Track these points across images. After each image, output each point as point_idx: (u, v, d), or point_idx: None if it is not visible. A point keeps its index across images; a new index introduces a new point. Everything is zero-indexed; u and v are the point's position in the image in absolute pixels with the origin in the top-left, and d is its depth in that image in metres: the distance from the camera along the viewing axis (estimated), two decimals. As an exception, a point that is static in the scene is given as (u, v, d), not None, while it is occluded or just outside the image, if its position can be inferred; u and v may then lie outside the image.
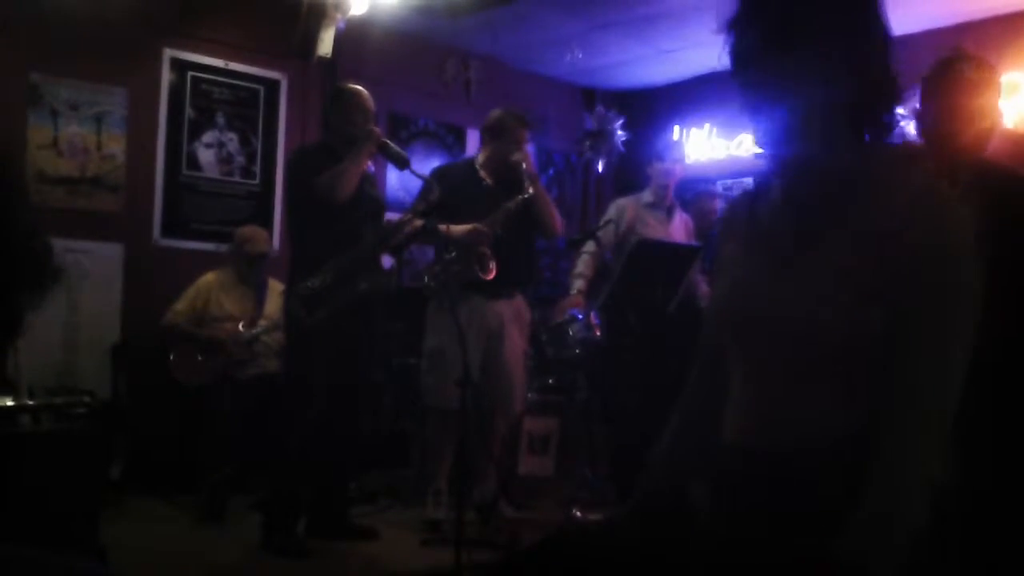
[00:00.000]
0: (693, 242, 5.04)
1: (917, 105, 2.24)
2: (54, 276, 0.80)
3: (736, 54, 1.27)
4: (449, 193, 3.95)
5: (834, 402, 1.23)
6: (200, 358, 4.64)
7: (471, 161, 4.49)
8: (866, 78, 1.25)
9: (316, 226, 3.83)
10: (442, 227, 4.05)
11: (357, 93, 3.99)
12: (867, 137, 1.30)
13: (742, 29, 1.26)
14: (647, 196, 5.00)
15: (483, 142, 4.44)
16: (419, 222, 3.96)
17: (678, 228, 5.06)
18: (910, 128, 5.20)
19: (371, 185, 4.11)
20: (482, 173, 4.32)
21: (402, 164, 3.93)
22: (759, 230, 1.35)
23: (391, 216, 4.32)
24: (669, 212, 5.04)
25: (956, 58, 2.23)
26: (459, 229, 4.08)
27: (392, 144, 4.03)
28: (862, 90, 1.25)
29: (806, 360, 1.24)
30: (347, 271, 3.79)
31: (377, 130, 3.91)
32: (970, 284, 1.18)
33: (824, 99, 1.24)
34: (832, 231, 1.24)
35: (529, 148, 4.40)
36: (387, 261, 4.24)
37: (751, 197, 1.41)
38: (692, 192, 6.06)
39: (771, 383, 1.28)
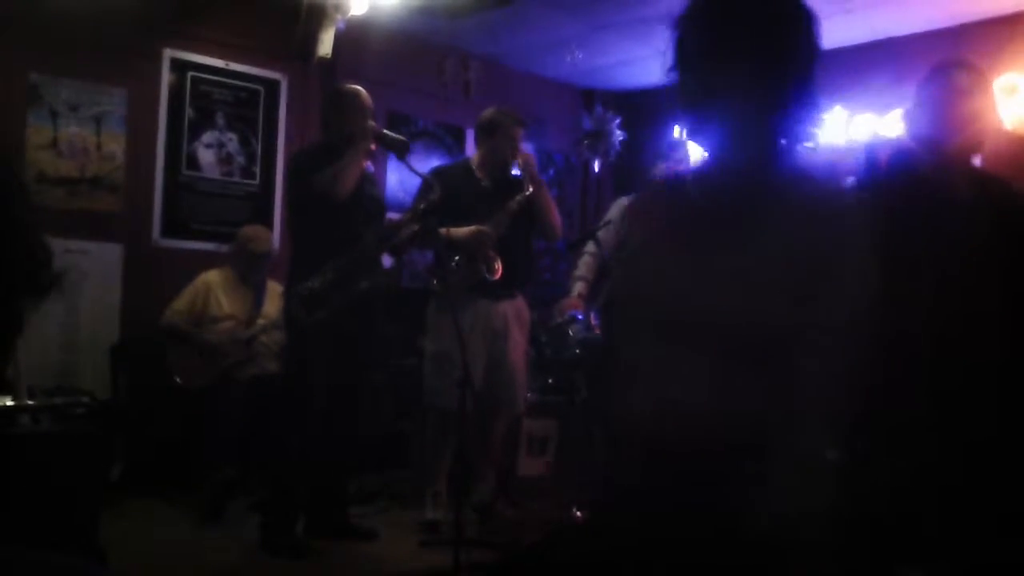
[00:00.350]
0: None
1: (910, 108, 2.27)
2: (53, 281, 0.80)
3: (677, 55, 1.37)
4: (447, 195, 3.95)
5: (750, 389, 1.32)
6: (199, 358, 4.64)
7: (467, 162, 4.49)
8: (792, 93, 1.33)
9: (316, 226, 3.83)
10: (443, 231, 4.05)
11: (355, 93, 3.99)
12: (786, 146, 1.39)
13: (686, 33, 1.36)
14: None
15: (478, 142, 4.43)
16: (416, 226, 3.96)
17: None
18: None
19: (371, 185, 4.11)
20: (479, 173, 4.32)
21: (402, 150, 3.93)
22: (679, 223, 1.42)
23: (391, 216, 4.33)
24: None
25: (946, 65, 2.26)
26: (462, 232, 4.08)
27: (388, 132, 4.04)
28: (787, 104, 1.34)
29: (727, 352, 1.32)
30: (347, 271, 3.79)
31: (373, 123, 3.91)
32: (865, 282, 1.32)
33: (754, 110, 1.33)
34: (751, 234, 1.34)
35: (529, 148, 4.41)
36: (387, 261, 4.24)
37: (668, 187, 1.50)
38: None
39: (695, 374, 1.34)
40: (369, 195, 4.01)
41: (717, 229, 1.37)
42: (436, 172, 4.38)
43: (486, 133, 4.34)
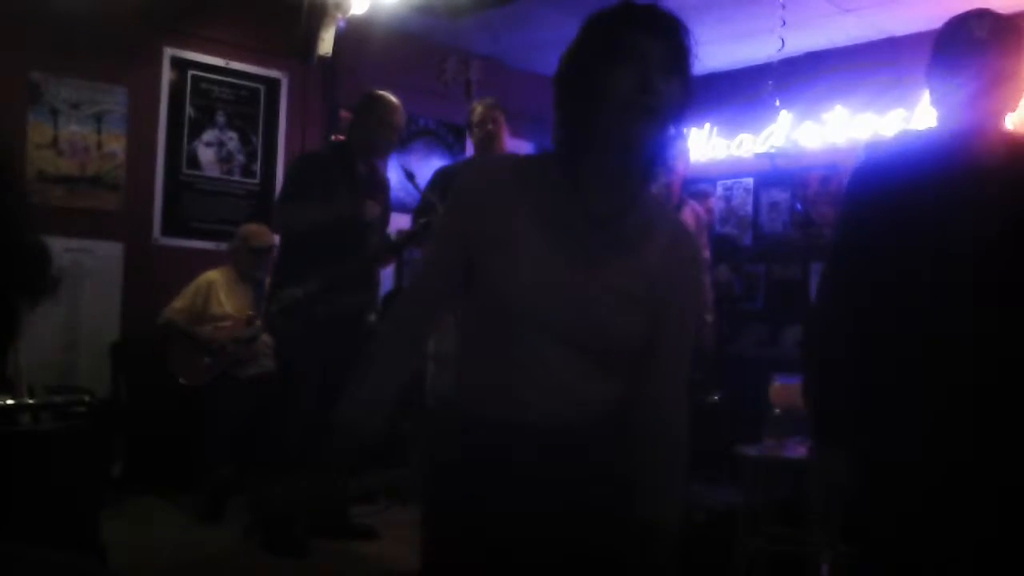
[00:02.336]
0: (703, 232, 5.00)
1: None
2: (51, 282, 0.79)
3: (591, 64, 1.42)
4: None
5: (608, 385, 1.49)
6: (200, 357, 4.64)
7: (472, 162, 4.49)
8: (671, 136, 1.44)
9: (313, 232, 3.80)
10: None
11: (391, 109, 3.94)
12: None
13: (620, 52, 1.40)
14: None
15: (472, 139, 4.44)
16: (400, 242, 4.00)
17: (688, 223, 5.03)
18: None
19: (377, 192, 4.06)
20: None
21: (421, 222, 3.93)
22: (551, 223, 1.45)
23: (393, 216, 4.32)
24: (678, 209, 5.00)
25: (965, 17, 1.97)
26: None
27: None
28: (665, 146, 1.45)
29: (593, 352, 1.46)
30: (334, 283, 3.75)
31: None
32: (699, 299, 1.61)
33: (657, 147, 1.43)
34: (621, 255, 1.47)
35: (530, 147, 4.40)
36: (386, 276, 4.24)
37: (523, 171, 1.51)
38: (688, 191, 6.06)
39: (562, 368, 1.46)
40: (364, 187, 3.97)
41: (605, 243, 1.47)
42: (443, 171, 4.37)
43: (471, 126, 4.38)
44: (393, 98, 3.99)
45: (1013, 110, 1.97)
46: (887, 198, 1.96)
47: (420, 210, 4.17)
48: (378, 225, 4.04)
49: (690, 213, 5.07)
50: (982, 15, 1.95)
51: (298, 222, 3.82)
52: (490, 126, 4.22)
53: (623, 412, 1.51)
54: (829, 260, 2.14)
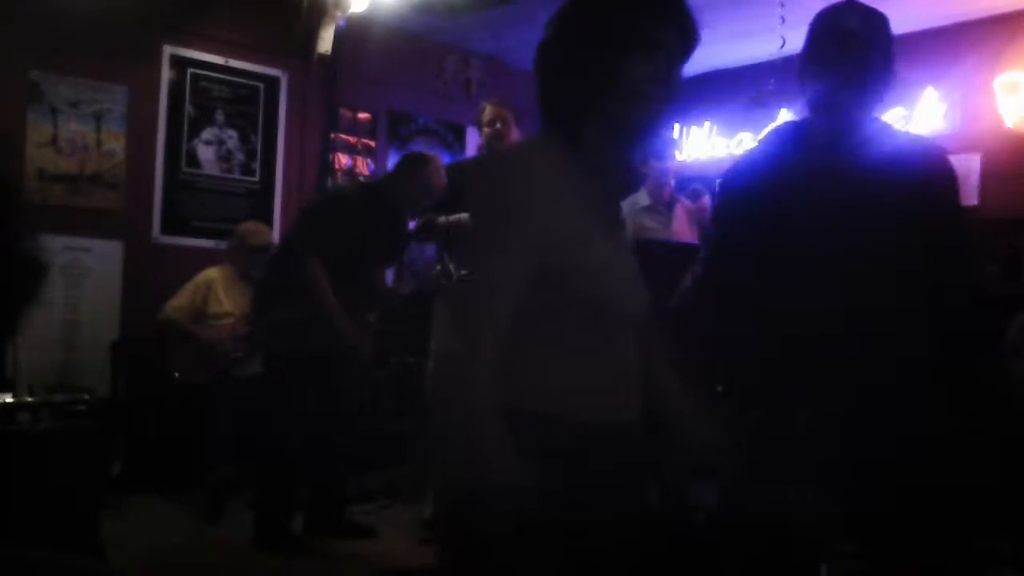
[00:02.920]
0: (695, 227, 5.00)
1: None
2: (43, 273, 0.79)
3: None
4: (459, 188, 3.92)
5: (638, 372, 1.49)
6: (199, 355, 4.64)
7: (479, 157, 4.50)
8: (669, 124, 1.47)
9: (323, 261, 3.75)
10: (452, 218, 3.99)
11: (436, 174, 3.94)
12: None
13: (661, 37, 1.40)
14: (643, 199, 4.94)
15: (481, 138, 4.43)
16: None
17: (681, 222, 5.01)
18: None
19: (393, 223, 4.04)
20: None
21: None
22: (594, 212, 1.43)
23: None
24: (669, 207, 4.99)
25: (835, 8, 2.02)
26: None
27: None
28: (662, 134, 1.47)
29: (636, 339, 1.47)
30: (322, 321, 3.73)
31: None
32: None
33: (657, 135, 1.48)
34: (624, 233, 1.55)
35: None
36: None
37: (553, 161, 1.42)
38: (683, 189, 6.06)
39: (634, 359, 1.47)
40: (387, 241, 3.98)
41: (618, 223, 1.54)
42: (453, 165, 4.37)
43: (481, 124, 4.34)
44: (439, 161, 4.01)
45: (883, 100, 2.00)
46: (754, 191, 2.01)
47: (427, 207, 4.17)
48: (391, 255, 4.06)
49: (682, 210, 5.06)
50: (853, 6, 1.99)
51: (316, 294, 3.73)
52: (499, 125, 4.22)
53: None
54: (705, 252, 2.23)
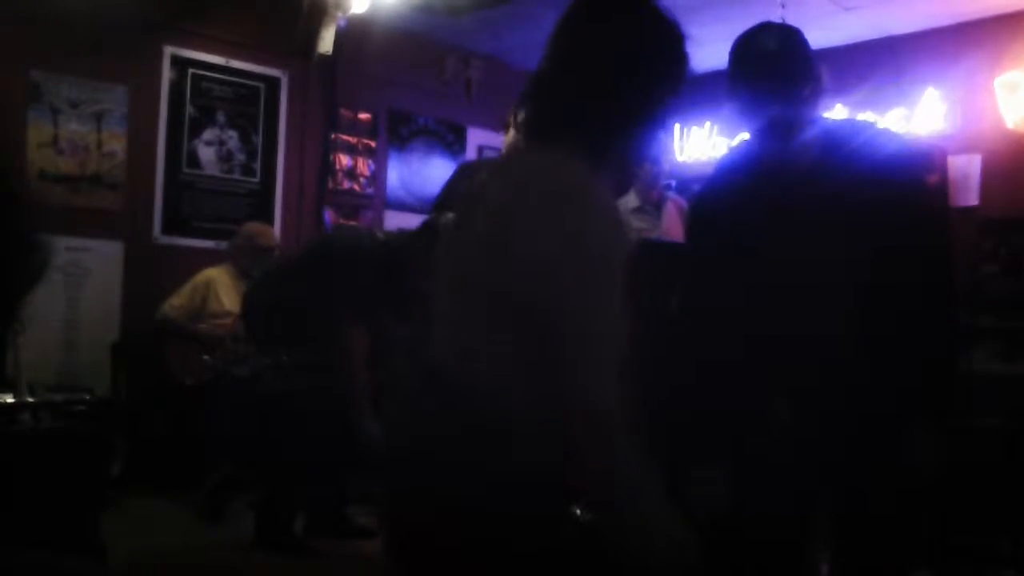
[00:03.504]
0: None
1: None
2: (45, 255, 0.80)
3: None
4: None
5: None
6: (199, 355, 4.64)
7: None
8: None
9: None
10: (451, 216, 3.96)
11: None
12: None
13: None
14: (632, 200, 4.91)
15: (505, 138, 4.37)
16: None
17: (672, 219, 5.00)
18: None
19: (415, 277, 3.95)
20: None
21: None
22: None
23: (393, 215, 4.31)
24: (658, 206, 4.97)
25: (753, 31, 2.11)
26: None
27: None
28: None
29: None
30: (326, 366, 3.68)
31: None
32: None
33: None
34: None
35: None
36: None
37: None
38: (688, 192, 6.06)
39: None
40: (404, 291, 3.90)
41: None
42: (464, 166, 4.34)
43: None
44: None
45: (815, 108, 2.04)
46: (712, 212, 2.15)
47: (438, 207, 4.13)
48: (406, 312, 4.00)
49: (673, 207, 5.05)
50: (768, 27, 2.09)
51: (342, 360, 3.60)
52: None
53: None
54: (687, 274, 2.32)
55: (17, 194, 0.79)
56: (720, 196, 2.14)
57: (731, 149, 2.27)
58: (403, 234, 3.75)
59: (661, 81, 1.39)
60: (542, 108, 1.40)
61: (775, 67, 1.98)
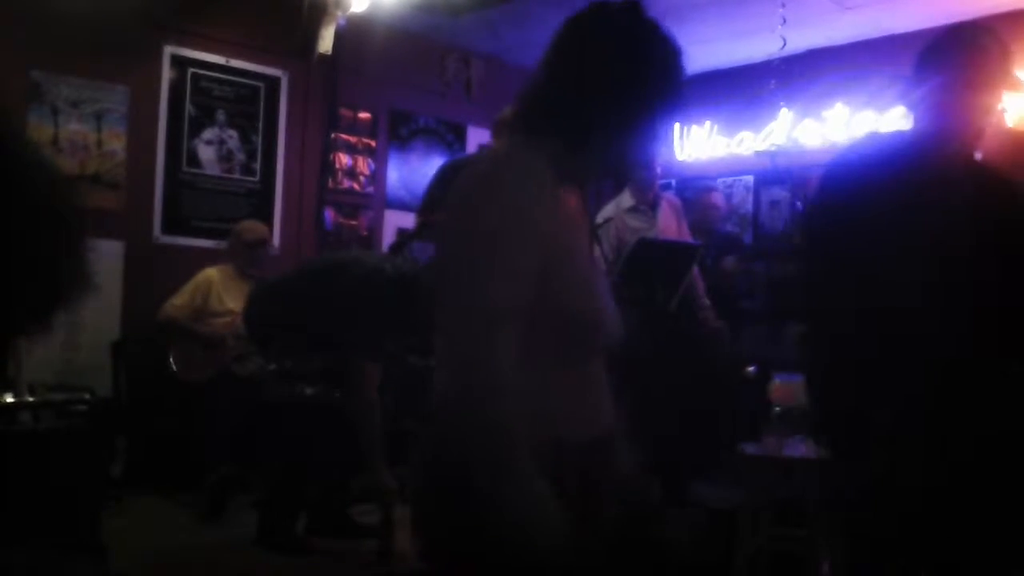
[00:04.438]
0: (683, 222, 5.01)
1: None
2: (86, 284, 0.80)
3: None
4: None
5: None
6: (200, 355, 4.64)
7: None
8: None
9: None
10: None
11: None
12: None
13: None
14: (627, 200, 4.90)
15: (498, 137, 4.32)
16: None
17: (667, 218, 4.99)
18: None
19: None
20: None
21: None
22: (576, 229, 1.41)
23: (393, 214, 4.30)
24: (653, 207, 4.96)
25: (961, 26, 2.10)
26: None
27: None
28: None
29: (607, 354, 1.44)
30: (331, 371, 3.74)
31: None
32: None
33: None
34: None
35: None
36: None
37: (545, 172, 1.35)
38: (692, 190, 6.07)
39: (598, 379, 1.44)
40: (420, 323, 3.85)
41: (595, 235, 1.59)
42: (455, 163, 4.33)
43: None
44: None
45: (986, 118, 2.02)
46: (853, 200, 2.03)
47: (425, 207, 4.15)
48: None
49: (667, 206, 5.05)
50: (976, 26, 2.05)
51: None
52: None
53: None
54: (799, 266, 2.20)
55: (73, 210, 0.79)
56: (860, 186, 2.06)
57: (875, 137, 2.21)
58: (414, 265, 3.69)
59: (644, 87, 1.39)
60: (526, 102, 1.44)
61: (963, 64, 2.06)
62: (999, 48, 2.03)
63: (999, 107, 2.09)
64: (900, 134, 2.10)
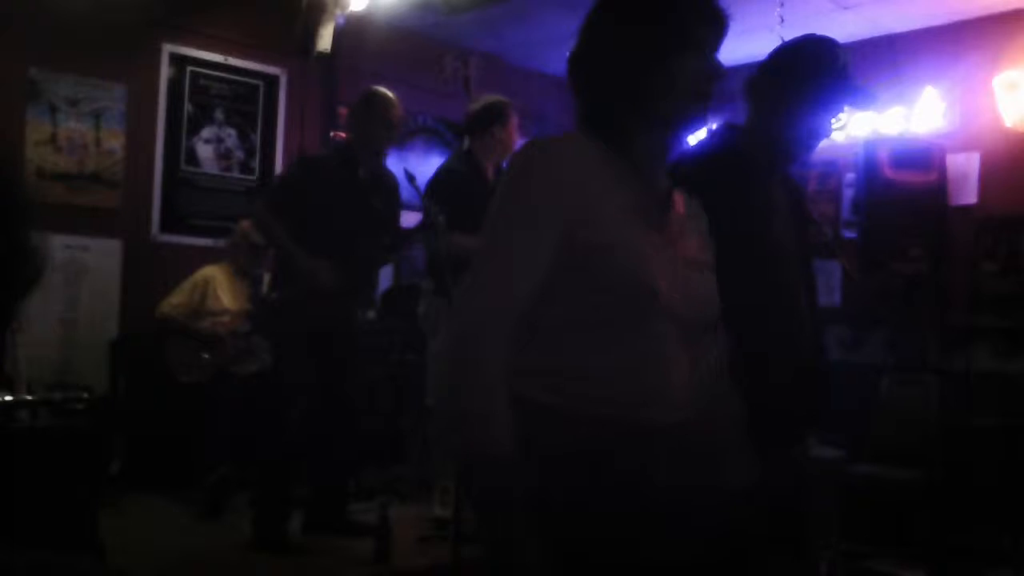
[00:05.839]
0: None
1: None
2: (42, 264, 0.80)
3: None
4: (466, 200, 3.68)
5: (699, 368, 1.42)
6: (198, 354, 4.64)
7: (470, 157, 4.25)
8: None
9: (307, 230, 3.78)
10: (464, 239, 3.63)
11: (388, 105, 3.88)
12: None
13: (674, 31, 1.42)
14: None
15: (477, 132, 4.24)
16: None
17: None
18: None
19: (385, 200, 4.01)
20: (486, 168, 4.21)
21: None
22: (629, 204, 1.40)
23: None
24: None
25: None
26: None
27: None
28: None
29: (695, 334, 1.41)
30: (318, 290, 3.75)
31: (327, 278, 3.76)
32: None
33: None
34: (691, 230, 1.47)
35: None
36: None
37: (586, 150, 1.41)
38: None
39: (681, 356, 1.38)
40: (371, 206, 3.92)
41: (675, 220, 1.46)
42: (442, 177, 4.18)
43: (491, 119, 4.18)
44: (390, 93, 3.94)
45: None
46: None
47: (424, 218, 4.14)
48: (381, 223, 4.00)
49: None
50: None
51: (267, 237, 4.01)
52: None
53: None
54: None
55: (18, 198, 0.79)
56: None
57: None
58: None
59: (676, 50, 1.41)
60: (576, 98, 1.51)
61: None
62: (838, 67, 2.16)
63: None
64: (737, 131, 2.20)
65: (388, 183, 4.06)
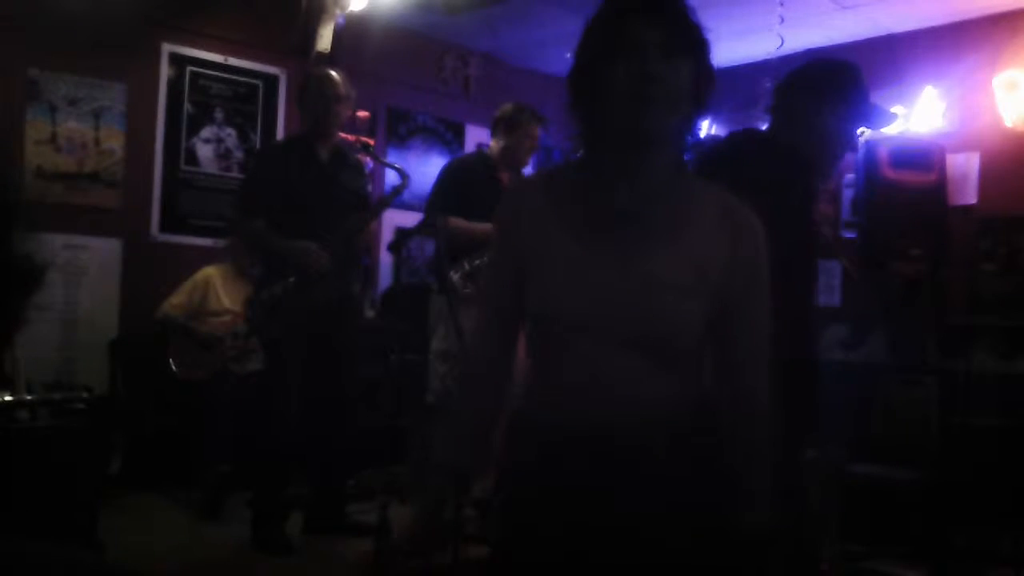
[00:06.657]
0: None
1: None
2: (40, 274, 0.80)
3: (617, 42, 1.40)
4: (465, 188, 3.97)
5: (668, 384, 1.43)
6: (198, 353, 4.64)
7: (484, 155, 4.44)
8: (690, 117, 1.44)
9: (284, 221, 3.81)
10: (463, 223, 3.97)
11: (321, 80, 3.95)
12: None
13: (638, 28, 1.38)
14: None
15: (496, 135, 4.34)
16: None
17: None
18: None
19: (352, 176, 4.06)
20: (498, 168, 4.27)
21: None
22: (581, 224, 1.44)
23: (392, 213, 4.31)
24: None
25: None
26: (478, 228, 3.91)
27: (380, 203, 4.21)
28: (682, 130, 1.44)
29: (648, 350, 1.41)
30: (306, 277, 3.77)
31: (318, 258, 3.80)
32: (764, 272, 1.46)
33: (672, 133, 1.43)
34: (662, 246, 1.42)
35: None
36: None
37: (552, 179, 1.57)
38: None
39: (615, 371, 1.41)
40: (346, 188, 3.96)
41: (640, 236, 1.42)
42: (454, 163, 4.38)
43: (509, 127, 4.28)
44: (331, 71, 4.01)
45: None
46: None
47: (430, 205, 4.18)
48: (354, 207, 4.01)
49: None
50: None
51: (248, 238, 4.13)
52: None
53: (693, 411, 1.46)
54: None
55: (11, 200, 0.79)
56: None
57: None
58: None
59: (607, 55, 1.39)
60: None
61: None
62: (860, 85, 2.28)
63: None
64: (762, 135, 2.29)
65: (352, 159, 4.11)
